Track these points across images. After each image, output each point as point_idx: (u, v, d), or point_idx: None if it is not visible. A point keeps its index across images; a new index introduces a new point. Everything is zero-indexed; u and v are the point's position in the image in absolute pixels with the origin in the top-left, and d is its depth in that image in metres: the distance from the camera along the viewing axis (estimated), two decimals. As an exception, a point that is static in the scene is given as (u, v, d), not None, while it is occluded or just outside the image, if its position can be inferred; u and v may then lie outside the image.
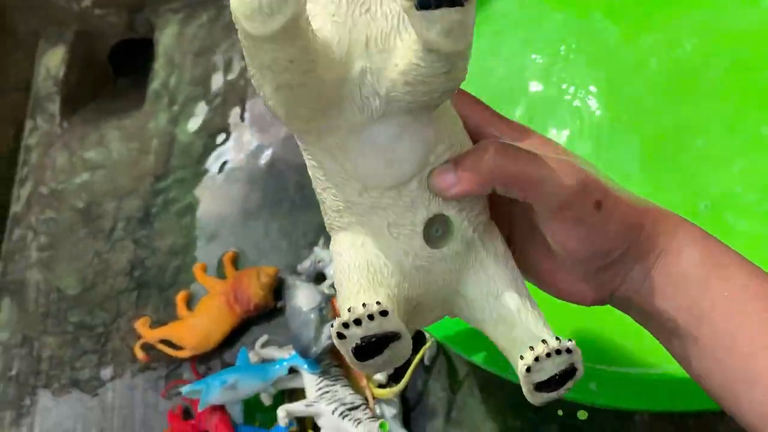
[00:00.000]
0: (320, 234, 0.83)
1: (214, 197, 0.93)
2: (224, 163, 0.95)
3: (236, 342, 0.82)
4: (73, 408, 0.83)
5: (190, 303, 0.86)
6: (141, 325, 0.84)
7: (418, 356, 0.75)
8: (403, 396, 0.76)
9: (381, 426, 0.69)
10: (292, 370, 0.75)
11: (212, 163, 0.95)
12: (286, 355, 0.75)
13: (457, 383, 0.76)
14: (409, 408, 0.76)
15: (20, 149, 1.03)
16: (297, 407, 0.68)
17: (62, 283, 0.92)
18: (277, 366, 0.74)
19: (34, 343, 0.88)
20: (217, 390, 0.71)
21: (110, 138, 1.01)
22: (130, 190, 0.96)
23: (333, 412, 0.68)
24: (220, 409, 0.74)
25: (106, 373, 0.85)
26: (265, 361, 0.76)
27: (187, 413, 0.80)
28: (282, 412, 0.67)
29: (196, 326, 0.82)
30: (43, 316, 0.90)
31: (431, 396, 0.76)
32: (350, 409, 0.69)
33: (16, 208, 0.99)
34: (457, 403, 0.75)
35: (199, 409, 0.72)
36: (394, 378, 0.74)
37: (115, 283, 0.90)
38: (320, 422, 0.69)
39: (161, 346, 0.83)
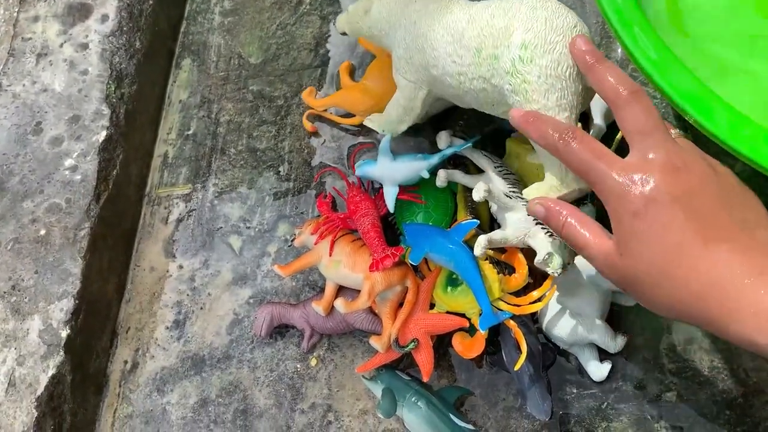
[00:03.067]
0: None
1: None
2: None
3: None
4: (249, 174, 0.82)
5: (353, 75, 0.82)
6: (307, 95, 0.81)
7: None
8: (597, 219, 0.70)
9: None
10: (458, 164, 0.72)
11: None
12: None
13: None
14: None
15: None
16: (496, 187, 0.63)
17: (244, 51, 0.88)
18: (447, 151, 0.69)
19: (212, 106, 0.87)
20: (370, 165, 0.70)
21: None
22: (321, -38, 0.90)
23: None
24: (373, 214, 0.71)
25: (284, 146, 0.83)
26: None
27: (333, 205, 0.78)
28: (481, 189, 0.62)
29: (369, 90, 0.77)
30: (223, 80, 0.88)
31: (631, 220, 0.70)
32: None
33: (201, -31, 0.95)
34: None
35: (357, 174, 0.71)
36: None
37: (298, 56, 0.86)
38: (508, 216, 0.63)
39: (329, 115, 0.80)
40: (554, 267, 0.60)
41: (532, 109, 0.55)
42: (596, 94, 0.68)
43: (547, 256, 0.60)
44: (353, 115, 0.79)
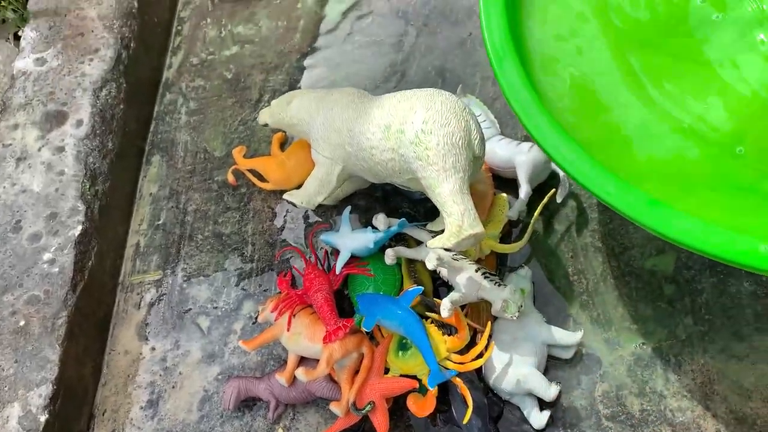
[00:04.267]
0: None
1: (357, 75, 0.95)
2: (368, 43, 0.97)
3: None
4: (215, 258, 0.89)
5: (283, 146, 0.92)
6: (237, 153, 0.91)
7: (538, 211, 0.76)
8: (532, 278, 0.78)
9: (521, 292, 0.71)
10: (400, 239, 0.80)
11: (357, 43, 0.97)
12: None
13: (590, 270, 0.77)
14: (534, 289, 0.78)
15: (174, 20, 1.08)
16: (444, 254, 0.70)
17: (209, 145, 0.97)
18: (392, 229, 0.77)
19: (181, 197, 0.94)
20: (332, 234, 0.80)
21: (260, 15, 1.04)
22: (276, 64, 0.99)
23: (477, 271, 0.70)
24: (326, 289, 0.77)
25: (248, 229, 0.90)
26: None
27: (293, 283, 0.84)
28: (435, 253, 0.69)
29: (284, 164, 0.88)
30: (190, 173, 0.95)
31: (562, 279, 0.78)
32: (491, 273, 0.71)
33: (168, 74, 1.04)
34: (589, 288, 0.76)
35: (321, 239, 0.80)
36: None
37: (258, 148, 0.95)
38: (458, 278, 0.71)
39: (249, 176, 0.91)
40: (511, 312, 0.68)
41: (431, 170, 0.65)
42: (520, 162, 0.78)
43: (504, 304, 0.68)
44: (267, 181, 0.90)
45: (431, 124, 0.67)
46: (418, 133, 0.67)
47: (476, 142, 0.68)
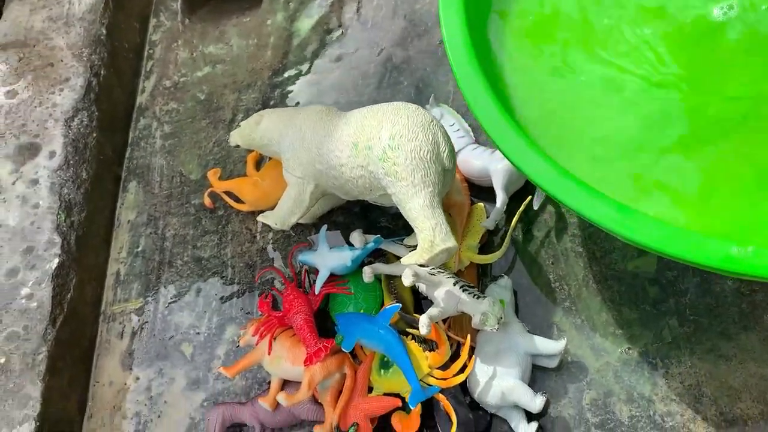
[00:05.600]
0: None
1: (329, 90, 0.94)
2: (339, 57, 0.96)
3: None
4: (196, 282, 0.88)
5: (259, 165, 0.91)
6: (212, 175, 0.90)
7: (515, 219, 0.75)
8: (515, 288, 0.76)
9: (501, 303, 0.69)
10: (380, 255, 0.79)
11: (328, 58, 0.96)
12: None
13: (572, 275, 0.76)
14: (517, 298, 0.76)
15: (146, 44, 1.07)
16: (421, 269, 0.69)
17: (185, 169, 0.96)
18: (369, 246, 0.76)
19: (159, 223, 0.93)
20: (310, 253, 0.79)
21: (230, 34, 1.03)
22: (248, 83, 0.99)
23: (455, 284, 0.69)
24: (306, 311, 0.76)
25: (227, 252, 0.89)
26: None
27: (275, 304, 0.82)
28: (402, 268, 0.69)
29: (259, 185, 0.87)
30: (167, 198, 0.94)
31: (544, 287, 0.76)
32: (469, 286, 0.70)
33: (141, 99, 1.03)
34: (572, 294, 0.75)
35: (299, 260, 0.79)
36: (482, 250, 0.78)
37: (234, 169, 0.94)
38: (437, 293, 0.70)
39: (225, 197, 0.89)
40: (491, 324, 0.67)
41: (401, 185, 0.64)
42: (495, 170, 0.77)
43: (482, 317, 0.66)
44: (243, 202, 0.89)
45: (398, 139, 0.66)
46: (385, 149, 0.66)
47: (445, 154, 0.67)
